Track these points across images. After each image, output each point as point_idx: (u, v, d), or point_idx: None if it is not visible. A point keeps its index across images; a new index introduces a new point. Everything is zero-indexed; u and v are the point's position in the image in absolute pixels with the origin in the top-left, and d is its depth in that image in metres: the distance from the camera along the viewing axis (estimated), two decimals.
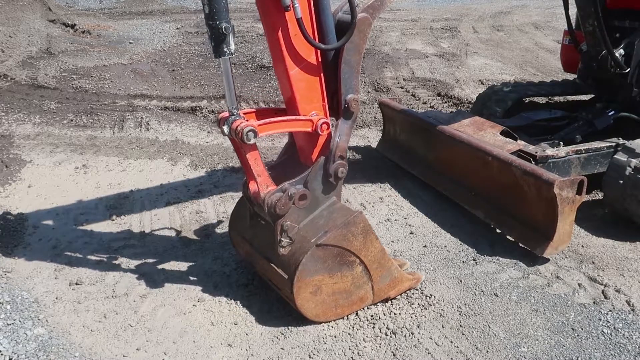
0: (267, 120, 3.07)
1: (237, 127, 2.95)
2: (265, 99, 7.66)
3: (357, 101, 3.26)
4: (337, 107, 3.27)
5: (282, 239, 3.18)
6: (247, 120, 3.01)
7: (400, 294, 3.58)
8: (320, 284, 3.22)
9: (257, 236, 3.55)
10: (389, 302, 3.54)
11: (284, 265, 3.25)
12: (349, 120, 3.28)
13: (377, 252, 3.32)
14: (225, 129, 3.02)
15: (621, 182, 4.26)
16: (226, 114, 3.07)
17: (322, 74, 3.15)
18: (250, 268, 3.79)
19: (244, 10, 14.17)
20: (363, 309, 3.47)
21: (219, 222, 4.55)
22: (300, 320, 3.38)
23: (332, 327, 3.34)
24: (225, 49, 2.85)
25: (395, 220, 4.58)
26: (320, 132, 3.17)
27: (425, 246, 4.20)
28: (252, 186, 3.20)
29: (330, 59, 3.17)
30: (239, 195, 5.01)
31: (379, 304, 3.52)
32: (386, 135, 5.86)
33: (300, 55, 3.02)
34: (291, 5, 2.83)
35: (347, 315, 3.41)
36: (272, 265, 3.36)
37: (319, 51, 3.08)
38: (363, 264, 3.30)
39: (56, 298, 3.59)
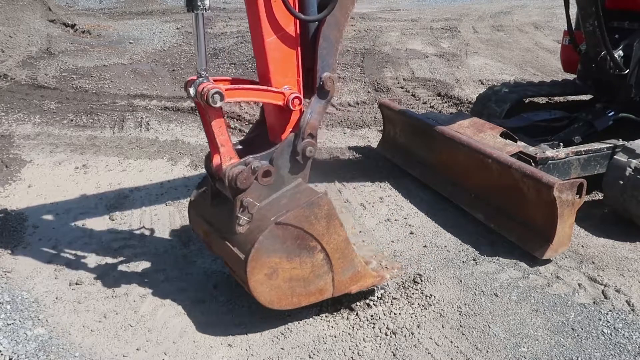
0: (237, 85, 2.98)
1: (203, 88, 2.83)
2: None
3: (333, 80, 3.13)
4: (312, 85, 3.14)
5: (241, 216, 3.01)
6: (214, 84, 2.91)
7: (362, 290, 3.46)
8: (277, 267, 3.03)
9: (217, 216, 3.38)
10: (390, 302, 3.55)
11: (241, 244, 3.06)
12: (323, 99, 3.15)
13: (340, 241, 3.16)
14: (192, 90, 2.91)
15: (621, 182, 4.27)
16: (195, 77, 2.97)
17: (299, 48, 3.05)
18: (208, 250, 3.69)
19: (244, 10, 14.16)
20: (363, 308, 3.47)
21: None
22: (300, 320, 3.39)
23: (332, 327, 3.35)
24: (199, 3, 2.76)
25: (395, 220, 4.58)
26: (291, 107, 3.05)
27: (425, 246, 4.20)
28: (215, 158, 3.07)
29: (310, 34, 3.08)
30: None
31: (379, 305, 3.52)
32: (386, 136, 5.87)
33: (279, 23, 2.93)
34: None
35: (304, 306, 3.26)
36: (228, 244, 3.15)
37: (297, 22, 2.99)
38: (325, 252, 3.13)
39: (56, 298, 3.59)
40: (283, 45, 2.99)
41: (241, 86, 3.00)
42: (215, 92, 2.81)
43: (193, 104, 7.38)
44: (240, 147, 3.33)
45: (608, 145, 4.71)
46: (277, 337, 3.27)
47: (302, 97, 3.11)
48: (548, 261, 3.99)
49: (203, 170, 5.49)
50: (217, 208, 3.38)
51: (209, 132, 3.03)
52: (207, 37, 3.09)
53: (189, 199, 3.70)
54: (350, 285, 3.32)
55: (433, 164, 5.08)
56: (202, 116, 3.05)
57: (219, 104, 2.84)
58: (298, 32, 3.03)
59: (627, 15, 5.01)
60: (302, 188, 3.19)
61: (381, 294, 3.60)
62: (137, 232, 4.40)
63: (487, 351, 3.18)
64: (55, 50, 9.90)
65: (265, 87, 3.05)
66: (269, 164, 3.07)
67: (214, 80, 3.00)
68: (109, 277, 3.80)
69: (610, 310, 3.51)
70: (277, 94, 3.05)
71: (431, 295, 3.63)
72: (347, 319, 3.41)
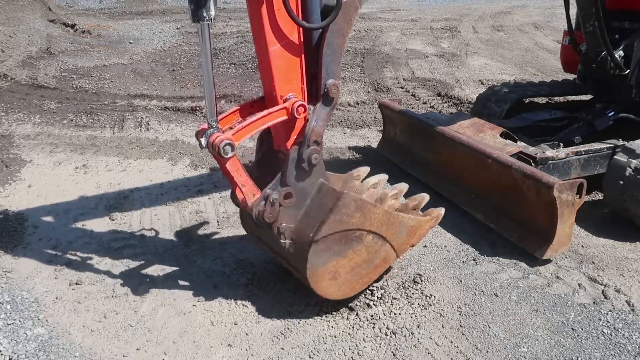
0: (241, 125, 3.01)
1: (213, 141, 2.92)
2: None
3: (337, 87, 3.14)
4: (317, 92, 3.15)
5: (283, 241, 3.17)
6: (223, 132, 2.98)
7: (424, 237, 3.61)
8: (336, 268, 3.20)
9: (265, 233, 3.49)
10: (390, 302, 3.55)
11: (294, 261, 3.27)
12: (327, 106, 3.15)
13: (380, 217, 3.22)
14: (203, 141, 3.00)
15: (621, 182, 4.26)
16: (205, 125, 3.05)
17: (303, 55, 3.06)
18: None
19: (244, 10, 14.16)
20: (363, 308, 3.48)
21: (219, 222, 4.55)
22: (300, 320, 3.39)
23: (332, 327, 3.35)
24: (204, 14, 2.76)
25: None
26: (296, 115, 3.06)
27: (425, 246, 4.20)
28: (239, 195, 3.15)
29: (314, 42, 3.08)
30: None
31: (379, 304, 3.52)
32: (386, 136, 5.87)
33: (282, 32, 2.92)
34: None
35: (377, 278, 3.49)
36: (286, 260, 3.37)
37: (301, 30, 2.99)
38: (371, 232, 3.23)
39: (56, 298, 3.59)
40: (287, 54, 3.00)
41: (246, 123, 3.02)
42: (226, 144, 2.89)
43: (193, 104, 7.39)
44: (257, 171, 3.40)
45: (608, 145, 4.70)
46: (277, 337, 3.27)
47: (306, 105, 3.11)
48: (548, 261, 3.99)
49: (203, 171, 5.51)
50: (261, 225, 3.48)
51: (227, 176, 3.08)
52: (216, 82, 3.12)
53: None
54: (410, 240, 3.45)
55: (433, 164, 5.08)
56: (218, 162, 3.10)
57: (230, 155, 2.91)
58: (302, 39, 3.03)
59: (628, 15, 5.01)
60: (324, 191, 3.21)
61: (381, 294, 3.60)
62: (137, 232, 4.40)
63: (487, 351, 3.18)
64: (55, 50, 9.90)
65: (266, 112, 3.05)
66: (284, 187, 3.11)
67: (220, 120, 3.08)
68: (109, 277, 3.81)
69: (610, 310, 3.51)
70: (279, 110, 3.06)
71: (431, 295, 3.63)
72: (347, 319, 3.41)
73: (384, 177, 4.01)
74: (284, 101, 3.07)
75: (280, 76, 3.03)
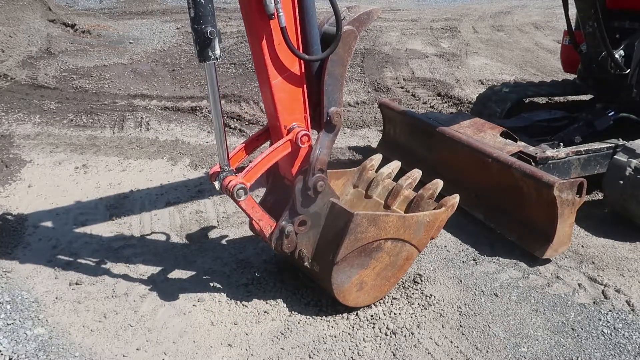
0: (250, 166, 3.08)
1: (227, 185, 3.02)
2: None
3: (339, 114, 3.20)
4: (320, 119, 3.22)
5: (308, 264, 3.32)
6: (236, 175, 3.05)
7: (442, 227, 3.59)
8: (362, 279, 3.29)
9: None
10: (390, 302, 3.55)
11: (320, 281, 3.42)
12: (330, 133, 3.23)
13: (395, 223, 3.26)
14: (217, 184, 3.08)
15: (621, 182, 4.27)
16: (217, 168, 3.10)
17: (305, 85, 3.10)
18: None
19: None
20: (363, 308, 3.48)
21: (219, 222, 4.55)
22: (300, 320, 3.39)
23: (332, 327, 3.35)
24: (210, 54, 2.81)
25: None
26: (300, 145, 3.12)
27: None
28: (257, 227, 3.26)
29: (314, 71, 3.12)
30: None
31: (379, 304, 3.53)
32: (386, 136, 5.86)
33: (284, 64, 2.97)
34: (275, 14, 2.77)
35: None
36: (314, 277, 3.50)
37: (302, 62, 3.03)
38: (389, 239, 3.28)
39: (56, 298, 3.59)
40: (289, 85, 3.05)
41: (253, 165, 3.09)
42: (240, 188, 3.00)
43: (193, 104, 7.39)
44: (271, 197, 3.50)
45: (608, 145, 4.71)
46: (277, 337, 3.27)
47: (310, 134, 3.17)
48: (548, 261, 3.99)
49: (203, 171, 5.51)
50: None
51: (243, 211, 3.18)
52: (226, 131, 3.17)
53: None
54: (429, 234, 3.46)
55: (433, 163, 5.07)
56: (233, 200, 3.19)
57: (243, 198, 3.03)
58: (303, 70, 3.07)
59: (628, 15, 5.01)
60: (336, 212, 3.29)
61: None
62: (137, 232, 4.40)
63: (487, 351, 3.18)
64: (55, 50, 9.90)
65: (272, 149, 3.13)
66: (297, 215, 3.21)
67: (230, 158, 3.16)
68: (109, 277, 3.81)
69: (610, 310, 3.51)
70: (284, 145, 3.13)
71: (431, 295, 3.63)
72: (347, 319, 3.41)
73: (397, 164, 4.02)
74: (288, 131, 3.13)
75: (283, 107, 3.08)
